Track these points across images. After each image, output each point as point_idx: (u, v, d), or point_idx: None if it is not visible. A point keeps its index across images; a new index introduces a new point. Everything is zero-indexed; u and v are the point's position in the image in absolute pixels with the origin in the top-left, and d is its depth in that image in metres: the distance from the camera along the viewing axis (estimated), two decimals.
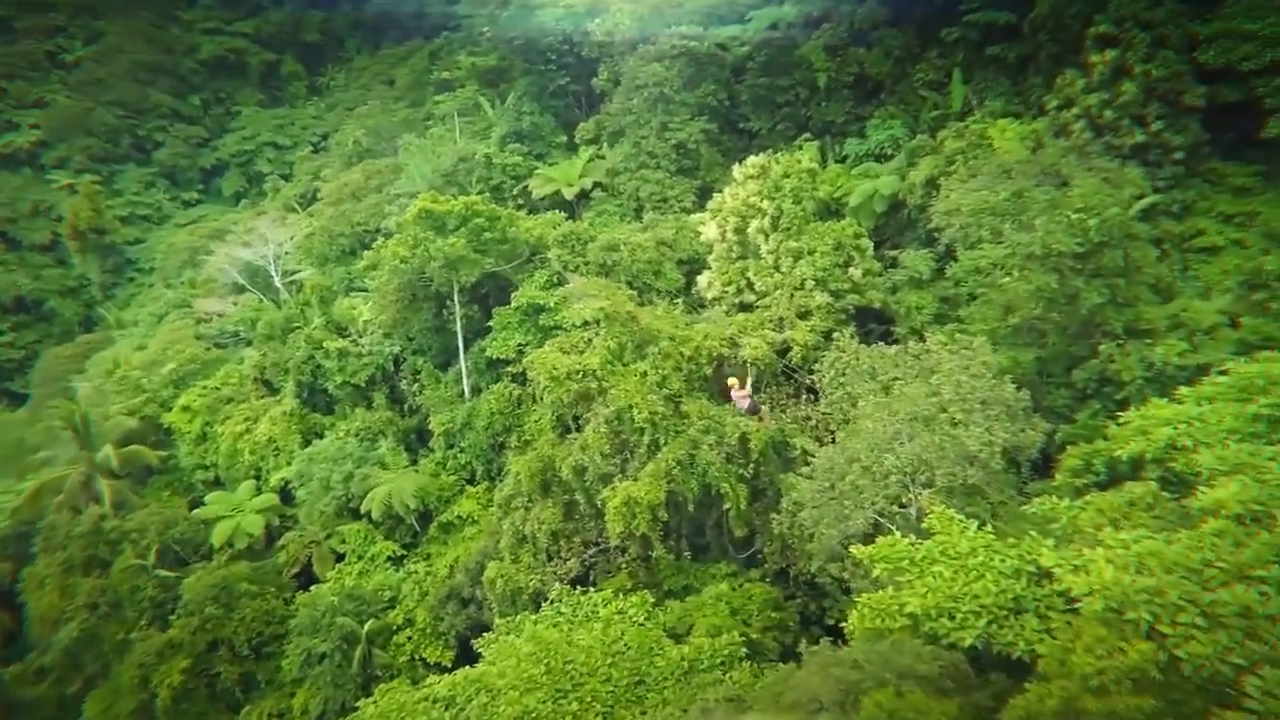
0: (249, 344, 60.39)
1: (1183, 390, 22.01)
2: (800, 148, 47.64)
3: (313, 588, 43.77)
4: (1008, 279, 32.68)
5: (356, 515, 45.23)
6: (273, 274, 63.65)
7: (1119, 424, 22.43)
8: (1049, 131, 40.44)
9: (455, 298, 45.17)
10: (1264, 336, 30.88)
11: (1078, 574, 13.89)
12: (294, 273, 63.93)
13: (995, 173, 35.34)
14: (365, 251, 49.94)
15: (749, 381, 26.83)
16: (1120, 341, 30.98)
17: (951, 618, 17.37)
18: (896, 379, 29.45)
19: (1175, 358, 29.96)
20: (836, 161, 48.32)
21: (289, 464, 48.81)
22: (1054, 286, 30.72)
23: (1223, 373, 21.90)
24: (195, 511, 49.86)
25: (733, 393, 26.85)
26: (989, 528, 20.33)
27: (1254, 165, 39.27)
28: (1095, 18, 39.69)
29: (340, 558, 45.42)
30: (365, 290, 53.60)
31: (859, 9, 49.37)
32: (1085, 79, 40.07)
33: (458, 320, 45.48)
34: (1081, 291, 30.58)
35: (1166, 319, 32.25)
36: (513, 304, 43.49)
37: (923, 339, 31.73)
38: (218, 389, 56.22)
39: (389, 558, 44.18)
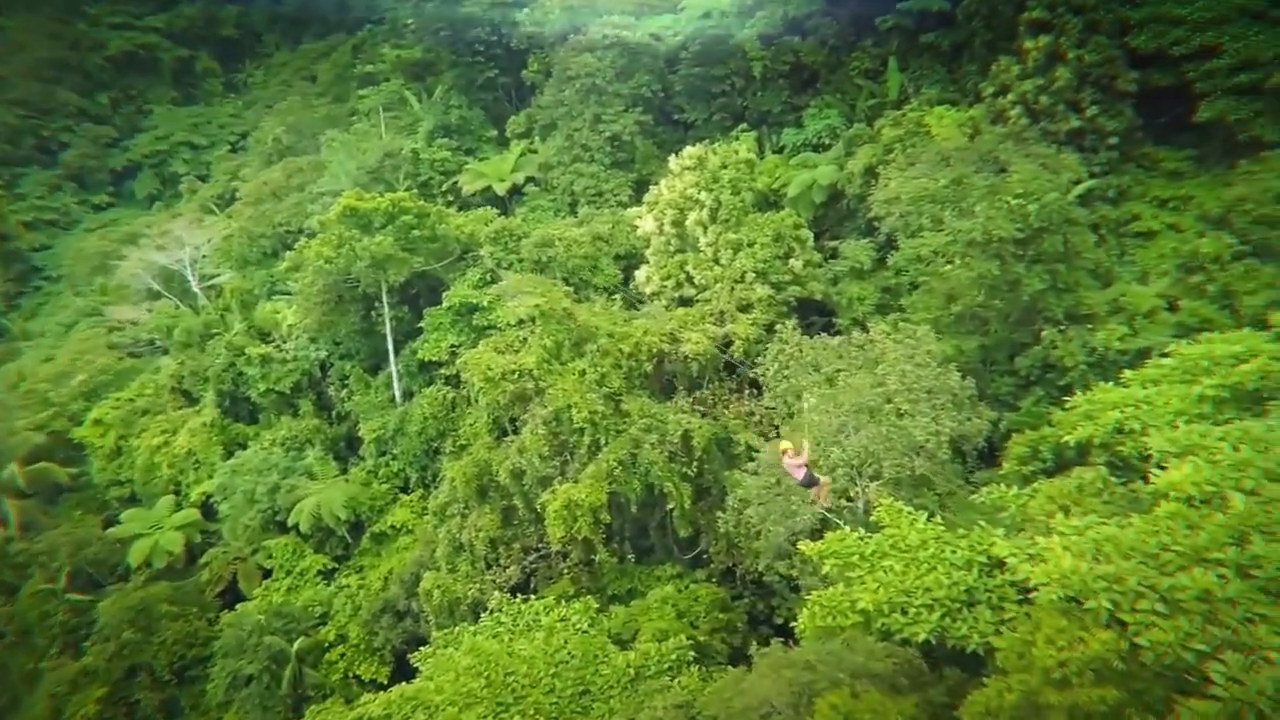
0: (165, 352, 58.57)
1: (1127, 374, 22.12)
2: (737, 138, 47.56)
3: (238, 606, 42.39)
4: (949, 267, 32.91)
5: (284, 529, 44.00)
6: (190, 279, 61.88)
7: (1065, 409, 22.51)
8: (986, 118, 40.86)
9: (384, 299, 44.27)
10: (1202, 319, 31.47)
11: (1034, 563, 13.72)
12: (212, 277, 62.23)
13: (934, 160, 35.60)
14: (287, 253, 48.72)
15: (806, 446, 22.37)
16: (1062, 327, 31.40)
17: (904, 612, 17.16)
18: (840, 371, 29.38)
19: (1116, 342, 30.46)
20: (774, 152, 48.34)
21: (210, 477, 47.36)
22: (995, 273, 31.02)
23: (1165, 355, 22.09)
24: (110, 530, 48.14)
25: (784, 460, 22.21)
26: (938, 519, 20.25)
27: (1186, 150, 40.12)
28: (1028, 3, 40.16)
29: (267, 574, 44.16)
30: (289, 293, 52.24)
31: None
32: (1020, 65, 40.52)
33: (387, 322, 44.57)
34: (1023, 278, 30.93)
35: (1106, 304, 32.77)
36: (444, 304, 42.79)
37: (865, 330, 31.75)
38: (132, 401, 54.40)
39: (319, 572, 43.06)
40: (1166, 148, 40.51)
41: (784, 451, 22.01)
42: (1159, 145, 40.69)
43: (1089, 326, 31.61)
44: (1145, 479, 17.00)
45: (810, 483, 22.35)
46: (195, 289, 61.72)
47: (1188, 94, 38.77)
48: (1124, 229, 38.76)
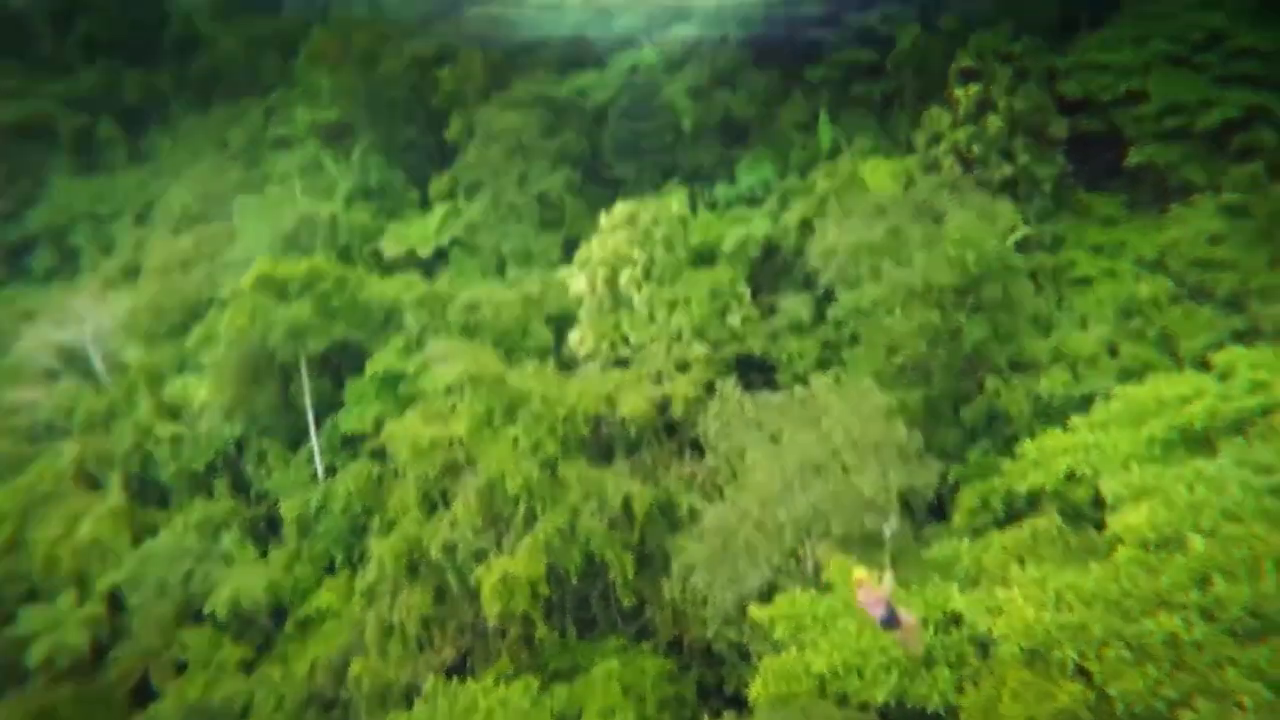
0: (67, 436, 56.56)
1: (1075, 419, 22.55)
2: (669, 194, 47.99)
3: (151, 705, 40.56)
4: (890, 318, 33.37)
5: (200, 618, 42.26)
6: (92, 357, 60.06)
7: (1015, 459, 22.81)
8: (920, 168, 41.85)
9: (303, 370, 43.46)
10: (1143, 362, 32.25)
11: (994, 616, 13.69)
12: (117, 354, 60.48)
13: (869, 210, 36.39)
14: (198, 325, 47.69)
15: (888, 578, 16.84)
16: (1005, 376, 31.94)
17: (860, 675, 17.01)
18: (784, 428, 29.44)
19: (1060, 389, 31.07)
20: (707, 207, 48.81)
21: (119, 567, 45.45)
22: (936, 323, 31.56)
23: (1111, 399, 22.57)
24: (6, 630, 45.75)
25: (860, 593, 17.14)
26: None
27: (1118, 195, 41.53)
28: (957, 52, 41.57)
29: (183, 667, 42.29)
30: (200, 369, 51.04)
31: (721, 50, 50.43)
32: (951, 114, 41.67)
33: (306, 395, 43.69)
34: (964, 326, 31.51)
35: (1048, 351, 33.48)
36: (367, 373, 42.20)
37: (807, 385, 31.92)
38: (30, 489, 52.20)
39: (239, 663, 41.26)
40: (1099, 193, 41.86)
41: (859, 583, 17.32)
42: (1091, 191, 42.02)
43: (1032, 374, 32.23)
44: (1100, 526, 17.18)
45: (892, 622, 16.69)
46: (98, 367, 59.93)
47: (1118, 139, 40.25)
48: (1062, 276, 39.73)
